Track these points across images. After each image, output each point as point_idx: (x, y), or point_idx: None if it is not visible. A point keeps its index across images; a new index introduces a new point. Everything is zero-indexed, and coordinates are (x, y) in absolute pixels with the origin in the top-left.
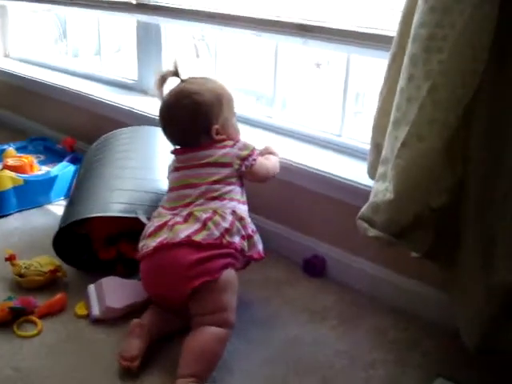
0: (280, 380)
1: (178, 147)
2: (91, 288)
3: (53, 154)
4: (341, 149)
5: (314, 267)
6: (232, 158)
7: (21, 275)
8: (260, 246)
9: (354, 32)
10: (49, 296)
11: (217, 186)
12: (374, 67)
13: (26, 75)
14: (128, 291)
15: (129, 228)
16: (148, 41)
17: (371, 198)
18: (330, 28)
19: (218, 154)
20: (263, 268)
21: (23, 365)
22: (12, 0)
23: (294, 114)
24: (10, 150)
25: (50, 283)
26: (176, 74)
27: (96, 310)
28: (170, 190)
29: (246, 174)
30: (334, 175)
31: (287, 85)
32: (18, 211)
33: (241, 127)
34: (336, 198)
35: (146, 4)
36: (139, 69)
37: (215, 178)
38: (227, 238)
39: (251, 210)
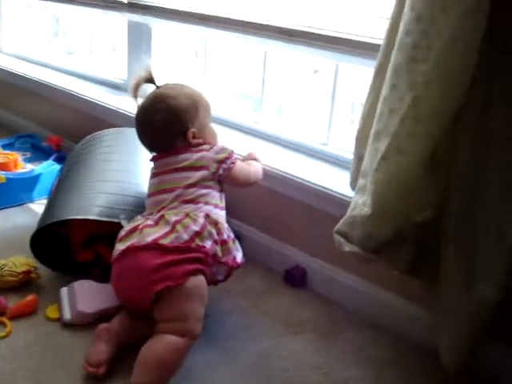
0: None
1: (155, 154)
2: (64, 291)
3: (39, 152)
4: (327, 158)
5: (294, 278)
6: (208, 161)
7: None
8: (237, 254)
9: (342, 39)
10: (21, 297)
11: (191, 190)
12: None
13: (16, 71)
14: (101, 296)
15: (108, 231)
16: (138, 41)
17: (348, 212)
18: (316, 34)
19: (193, 157)
20: (243, 277)
21: None
22: None
23: (286, 120)
24: None
25: (23, 284)
26: (151, 80)
27: (67, 314)
28: (148, 196)
29: (225, 177)
30: (318, 185)
31: (283, 90)
32: (0, 209)
33: (225, 131)
34: (320, 209)
35: (137, 3)
36: (129, 68)
37: (190, 181)
38: (197, 241)
39: (233, 216)
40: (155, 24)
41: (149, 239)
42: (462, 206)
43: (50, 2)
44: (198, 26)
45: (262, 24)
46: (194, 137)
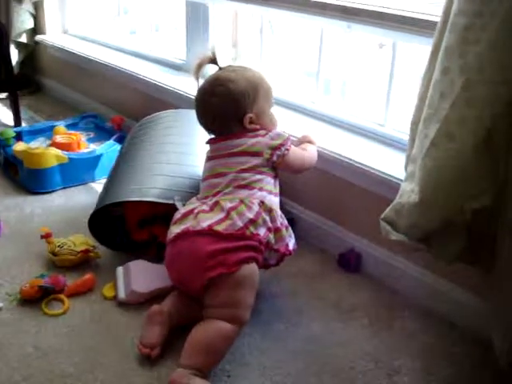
0: (297, 379)
1: (211, 137)
2: (119, 270)
3: (102, 132)
4: (384, 140)
5: (349, 262)
6: (263, 147)
7: (54, 253)
8: (290, 241)
9: (399, 16)
10: (79, 275)
11: (245, 174)
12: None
13: (80, 52)
14: (155, 276)
15: (164, 211)
16: (196, 20)
17: (396, 199)
18: (373, 11)
19: (248, 142)
20: (296, 260)
21: (44, 343)
22: None
23: (347, 100)
24: (60, 127)
25: (82, 263)
26: (214, 61)
27: (122, 293)
28: (203, 179)
29: (279, 164)
30: (374, 169)
31: (346, 67)
32: (62, 188)
33: (282, 112)
34: (377, 193)
35: None
36: (187, 49)
37: (244, 166)
38: (251, 229)
39: (288, 197)
40: (214, 4)
41: (204, 225)
42: None
43: None
44: (260, 5)
45: (323, 2)
46: (250, 122)
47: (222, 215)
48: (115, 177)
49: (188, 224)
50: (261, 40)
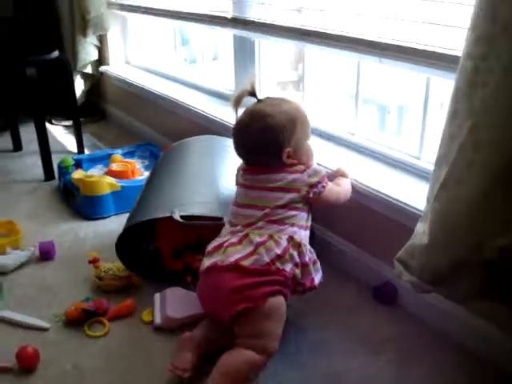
0: None
1: (248, 166)
2: (157, 296)
3: (157, 160)
4: (419, 173)
5: (384, 295)
6: (300, 184)
7: (100, 278)
8: (316, 275)
9: (430, 52)
10: (121, 300)
11: (280, 211)
12: None
13: (139, 83)
14: (189, 302)
15: (194, 240)
16: (243, 53)
17: (410, 240)
18: (404, 47)
19: (286, 179)
20: (330, 291)
21: (83, 363)
22: (128, 12)
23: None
24: (117, 155)
25: (125, 288)
26: (252, 93)
27: (158, 318)
28: (236, 204)
29: (314, 200)
30: (410, 206)
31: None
32: (115, 214)
33: (318, 143)
34: (412, 227)
35: (239, 19)
36: (236, 80)
37: (280, 202)
38: (277, 264)
39: (325, 226)
40: (256, 38)
41: (231, 259)
42: None
43: (162, 18)
44: (298, 41)
45: (355, 38)
46: (288, 156)
47: (249, 249)
48: (138, 201)
49: (218, 258)
50: (303, 70)
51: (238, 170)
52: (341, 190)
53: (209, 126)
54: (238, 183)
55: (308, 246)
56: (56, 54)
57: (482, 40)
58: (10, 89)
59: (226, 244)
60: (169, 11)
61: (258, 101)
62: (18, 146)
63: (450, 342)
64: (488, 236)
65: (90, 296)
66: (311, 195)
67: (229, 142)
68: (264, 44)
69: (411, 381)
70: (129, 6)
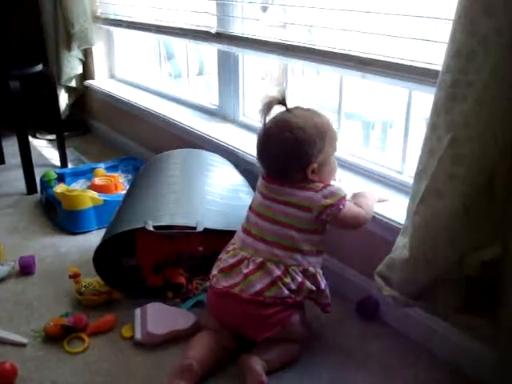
0: None
1: (268, 175)
2: (137, 312)
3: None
4: (402, 188)
5: (366, 309)
6: (312, 203)
7: (80, 293)
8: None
9: (413, 67)
10: (101, 315)
11: (294, 234)
12: None
13: (123, 97)
14: (171, 318)
15: (174, 256)
16: (227, 68)
17: (390, 254)
18: (387, 62)
19: (299, 195)
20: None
21: (61, 379)
22: (113, 26)
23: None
24: (100, 169)
25: (105, 303)
26: (282, 102)
27: (138, 334)
28: (254, 211)
29: (331, 221)
30: (391, 220)
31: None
32: (97, 229)
33: None
34: (394, 242)
35: (223, 33)
36: (220, 95)
37: (296, 222)
38: (293, 296)
39: None
40: (241, 53)
41: (252, 290)
42: None
43: (145, 33)
44: (282, 56)
45: (338, 53)
46: (312, 172)
47: (268, 280)
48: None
49: (235, 281)
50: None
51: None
52: (361, 211)
53: (193, 141)
54: (258, 191)
55: (320, 272)
56: (40, 67)
57: (462, 54)
58: None
59: (244, 270)
60: (154, 26)
61: (288, 110)
62: (0, 159)
63: (433, 356)
64: (469, 250)
65: (70, 311)
66: (324, 217)
67: (209, 155)
68: (248, 60)
69: None
70: (114, 20)
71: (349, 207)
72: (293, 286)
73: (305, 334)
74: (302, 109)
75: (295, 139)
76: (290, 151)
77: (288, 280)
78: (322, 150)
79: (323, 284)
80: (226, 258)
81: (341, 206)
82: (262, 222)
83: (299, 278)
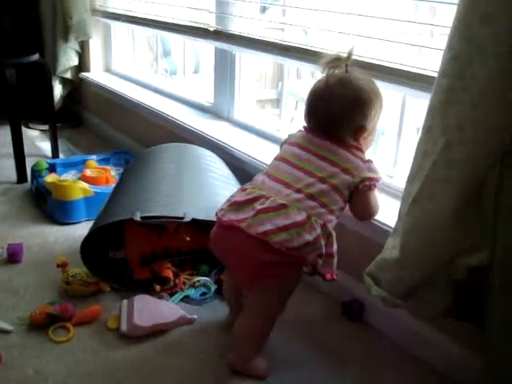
0: None
1: (310, 126)
2: (124, 303)
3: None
4: (393, 191)
5: (351, 311)
6: (358, 170)
7: (67, 282)
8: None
9: (406, 72)
10: (88, 305)
11: (326, 188)
12: None
13: (118, 91)
14: (158, 311)
15: (162, 250)
16: (224, 67)
17: (380, 254)
18: (383, 66)
19: (348, 158)
20: (302, 305)
21: (45, 368)
22: (111, 19)
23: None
24: (92, 161)
25: (93, 294)
26: (347, 60)
27: (124, 326)
28: (282, 159)
29: (360, 193)
30: (381, 223)
31: None
32: (86, 220)
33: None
34: (383, 245)
35: (221, 31)
36: (215, 93)
37: (331, 179)
38: (302, 251)
39: None
40: (238, 52)
41: (260, 229)
42: (505, 259)
43: (144, 28)
44: (279, 56)
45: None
46: (362, 136)
47: (282, 223)
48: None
49: (245, 216)
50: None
51: (289, 136)
52: (379, 206)
53: (186, 137)
54: (287, 142)
55: (334, 235)
56: (36, 57)
57: (459, 60)
58: None
59: (259, 206)
60: (152, 21)
61: (346, 71)
62: None
63: (415, 358)
64: (458, 252)
65: (57, 300)
66: (361, 186)
67: (201, 151)
68: (245, 59)
69: None
70: (112, 13)
71: (376, 193)
72: (309, 237)
73: (278, 310)
74: (361, 72)
75: (355, 97)
76: (348, 109)
77: (306, 228)
78: (375, 117)
79: (334, 248)
80: (239, 194)
81: (376, 185)
82: (298, 172)
83: (318, 231)
